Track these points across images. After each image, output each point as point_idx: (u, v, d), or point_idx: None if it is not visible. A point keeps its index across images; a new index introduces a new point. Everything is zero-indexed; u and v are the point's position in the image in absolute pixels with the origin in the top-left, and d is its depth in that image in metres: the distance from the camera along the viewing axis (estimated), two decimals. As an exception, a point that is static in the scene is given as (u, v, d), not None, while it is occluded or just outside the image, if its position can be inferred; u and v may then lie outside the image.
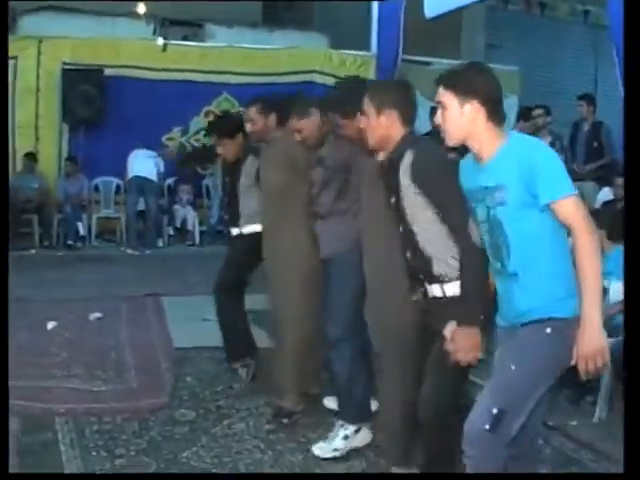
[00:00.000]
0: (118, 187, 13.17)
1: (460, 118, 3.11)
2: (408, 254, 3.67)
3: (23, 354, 6.43)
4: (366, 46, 13.96)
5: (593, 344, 2.91)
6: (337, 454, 4.58)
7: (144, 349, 6.65)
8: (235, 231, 5.96)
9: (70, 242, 12.28)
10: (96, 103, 12.69)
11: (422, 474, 3.86)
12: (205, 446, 4.77)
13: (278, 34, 15.92)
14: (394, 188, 3.64)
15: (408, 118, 3.74)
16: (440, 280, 3.55)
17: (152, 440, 4.83)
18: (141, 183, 12.52)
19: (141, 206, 12.79)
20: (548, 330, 3.03)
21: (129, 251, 12.18)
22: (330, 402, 5.09)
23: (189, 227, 13.30)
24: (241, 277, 5.91)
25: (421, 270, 3.61)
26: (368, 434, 4.71)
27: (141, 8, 12.22)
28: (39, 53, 12.81)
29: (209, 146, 6.48)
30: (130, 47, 13.30)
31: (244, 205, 5.84)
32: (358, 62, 14.05)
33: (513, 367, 3.06)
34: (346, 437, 4.62)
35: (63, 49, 12.89)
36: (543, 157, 3.01)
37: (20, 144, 12.44)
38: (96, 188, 13.22)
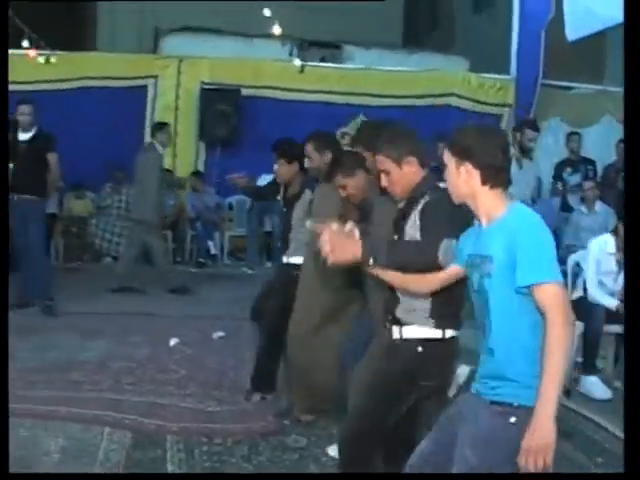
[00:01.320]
0: (252, 206, 13.23)
1: (457, 178, 3.10)
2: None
3: (143, 369, 6.49)
4: (506, 69, 13.69)
5: (544, 438, 2.78)
6: None
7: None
8: (284, 259, 6.03)
9: (201, 260, 12.42)
10: (233, 122, 12.82)
11: (422, 474, 3.59)
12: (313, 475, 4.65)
13: (417, 56, 15.80)
14: (400, 229, 3.76)
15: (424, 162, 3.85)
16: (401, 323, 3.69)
17: (260, 465, 4.73)
18: (267, 203, 12.53)
19: (268, 227, 12.80)
20: (512, 419, 2.92)
21: (248, 270, 12.15)
22: (331, 450, 4.87)
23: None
24: (285, 307, 5.66)
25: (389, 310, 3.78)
26: None
27: (277, 29, 12.26)
28: (179, 73, 13.05)
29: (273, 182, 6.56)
30: (268, 68, 13.39)
31: (294, 237, 5.91)
32: (497, 86, 13.77)
33: (472, 454, 2.95)
34: None
35: (202, 69, 13.10)
36: (528, 237, 2.91)
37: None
38: (230, 207, 13.35)
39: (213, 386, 6.13)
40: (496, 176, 3.04)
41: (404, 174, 3.77)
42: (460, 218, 3.38)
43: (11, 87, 11.65)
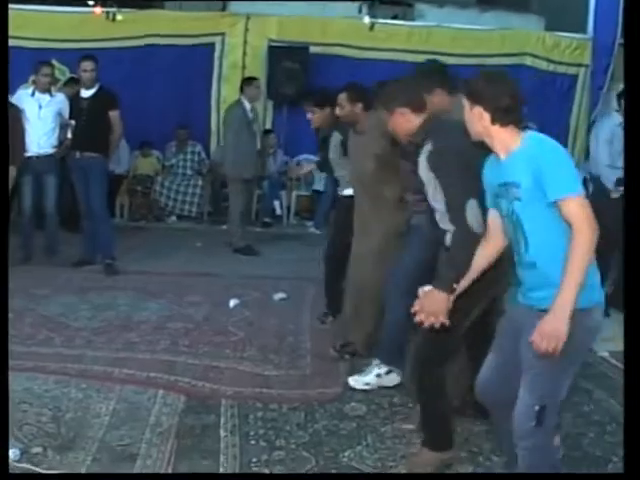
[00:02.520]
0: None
1: (472, 118, 3.49)
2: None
3: (200, 330, 6.36)
4: (583, 28, 13.22)
5: (556, 328, 3.12)
6: (368, 387, 5.23)
7: (323, 335, 6.37)
8: (338, 194, 6.76)
9: (266, 220, 12.27)
10: (300, 80, 12.56)
11: (422, 474, 4.09)
12: (370, 446, 4.45)
13: (490, 15, 15.39)
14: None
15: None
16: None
17: (316, 433, 4.55)
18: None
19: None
20: (572, 321, 3.16)
21: (316, 231, 11.92)
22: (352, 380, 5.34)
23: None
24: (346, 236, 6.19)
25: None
26: (397, 377, 5.28)
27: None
28: (246, 30, 12.83)
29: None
30: (336, 25, 13.08)
31: (338, 174, 6.63)
32: (573, 45, 13.29)
33: (541, 362, 3.25)
34: (379, 375, 5.27)
35: (270, 26, 12.84)
36: (551, 157, 3.26)
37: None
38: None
39: (271, 350, 5.97)
40: (504, 116, 3.38)
41: (399, 123, 4.28)
42: (465, 159, 3.83)
43: (76, 45, 11.75)
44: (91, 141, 8.32)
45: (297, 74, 12.53)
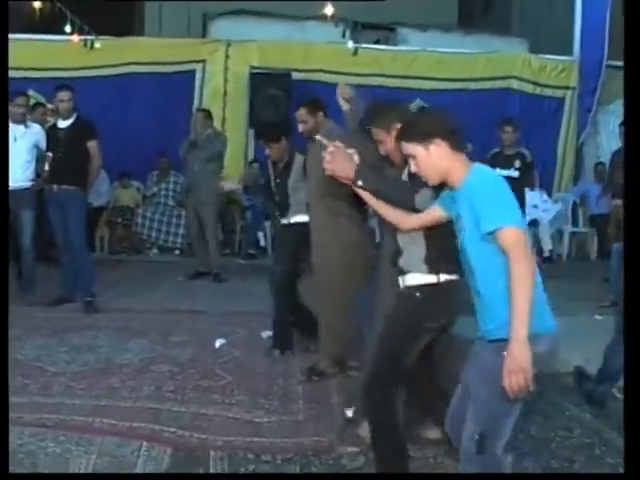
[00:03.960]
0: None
1: (430, 160, 3.48)
2: None
3: (186, 374, 6.01)
4: (567, 50, 13.06)
5: (519, 362, 3.13)
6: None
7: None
8: (284, 221, 6.78)
9: (250, 251, 11.96)
10: (283, 108, 12.31)
11: (422, 474, 4.14)
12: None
13: (473, 38, 15.28)
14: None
15: None
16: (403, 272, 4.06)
17: (313, 489, 4.23)
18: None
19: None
20: (504, 353, 3.19)
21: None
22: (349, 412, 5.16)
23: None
24: (295, 265, 6.59)
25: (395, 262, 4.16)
26: None
27: (329, 9, 11.69)
28: (227, 57, 12.64)
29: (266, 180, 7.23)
30: (319, 51, 12.93)
31: (294, 199, 6.61)
32: (559, 68, 13.17)
33: (483, 392, 3.34)
34: None
35: (251, 53, 12.68)
36: (483, 190, 3.31)
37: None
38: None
39: (261, 394, 5.60)
40: (458, 139, 3.48)
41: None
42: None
43: (53, 74, 11.46)
44: (69, 173, 8.01)
45: (280, 101, 12.28)
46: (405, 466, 4.02)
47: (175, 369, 6.12)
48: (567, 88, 13.20)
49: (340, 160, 3.95)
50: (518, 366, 3.12)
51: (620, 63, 12.55)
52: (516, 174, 9.17)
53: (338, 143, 4.01)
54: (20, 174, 8.27)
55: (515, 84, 13.19)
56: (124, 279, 9.60)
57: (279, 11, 14.27)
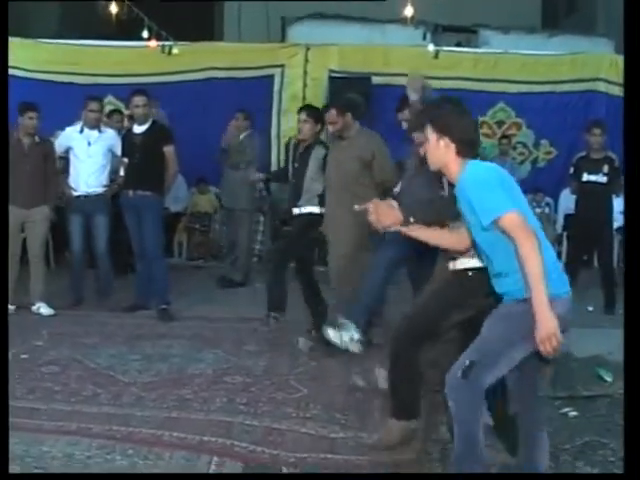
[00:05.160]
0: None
1: (436, 150, 3.77)
2: None
3: (260, 385, 5.82)
4: (659, 50, 12.53)
5: (548, 328, 3.39)
6: (337, 343, 5.76)
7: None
8: (296, 211, 7.06)
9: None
10: (363, 112, 12.05)
11: (422, 474, 4.28)
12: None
13: (557, 39, 14.83)
14: None
15: None
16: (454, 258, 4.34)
17: (389, 511, 3.99)
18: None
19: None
20: (525, 306, 3.48)
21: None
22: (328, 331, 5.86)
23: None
24: (300, 252, 7.16)
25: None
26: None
27: (409, 11, 11.41)
28: (306, 61, 12.45)
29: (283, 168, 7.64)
30: (400, 54, 12.62)
31: (308, 188, 6.95)
32: (650, 68, 12.62)
33: (490, 328, 3.69)
34: (352, 339, 5.76)
35: (330, 56, 12.47)
36: (472, 187, 3.59)
37: (285, 153, 12.09)
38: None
39: (338, 408, 5.36)
40: (469, 148, 3.74)
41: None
42: None
43: (132, 80, 11.43)
44: (145, 179, 7.91)
45: (360, 106, 12.03)
46: (415, 399, 4.56)
47: (249, 380, 5.94)
48: (657, 90, 12.71)
49: (383, 210, 4.11)
50: (548, 331, 3.39)
51: None
52: (604, 179, 8.86)
53: (375, 200, 4.30)
54: (94, 179, 8.25)
55: (602, 86, 12.73)
56: (200, 286, 9.45)
57: (358, 14, 14.09)
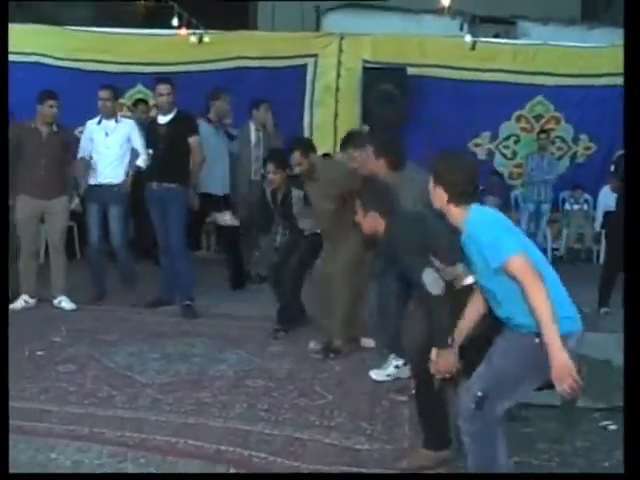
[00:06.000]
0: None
1: (433, 195, 3.86)
2: None
3: (283, 390, 5.55)
4: None
5: (563, 368, 3.33)
6: (389, 378, 5.81)
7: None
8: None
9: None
10: (398, 104, 11.76)
11: (422, 474, 4.26)
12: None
13: (598, 31, 14.38)
14: None
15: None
16: None
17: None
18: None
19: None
20: (536, 340, 3.45)
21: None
22: (366, 342, 6.68)
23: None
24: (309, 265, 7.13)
25: None
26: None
27: (446, 1, 11.07)
28: (340, 51, 12.15)
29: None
30: (436, 45, 12.29)
31: (303, 225, 7.17)
32: (694, 62, 12.21)
33: (500, 361, 3.63)
34: (397, 367, 5.85)
35: (365, 46, 12.15)
36: (478, 233, 3.62)
37: (318, 144, 11.79)
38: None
39: (364, 417, 5.09)
40: (459, 197, 3.74)
41: None
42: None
43: (161, 68, 11.21)
44: (169, 170, 7.66)
45: (394, 97, 11.76)
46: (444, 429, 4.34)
47: (271, 384, 5.67)
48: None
49: (445, 360, 4.02)
50: (564, 371, 3.33)
51: None
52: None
53: (434, 351, 4.10)
54: (111, 170, 7.99)
55: (644, 80, 12.33)
56: (226, 281, 9.15)
57: (393, 4, 13.76)
